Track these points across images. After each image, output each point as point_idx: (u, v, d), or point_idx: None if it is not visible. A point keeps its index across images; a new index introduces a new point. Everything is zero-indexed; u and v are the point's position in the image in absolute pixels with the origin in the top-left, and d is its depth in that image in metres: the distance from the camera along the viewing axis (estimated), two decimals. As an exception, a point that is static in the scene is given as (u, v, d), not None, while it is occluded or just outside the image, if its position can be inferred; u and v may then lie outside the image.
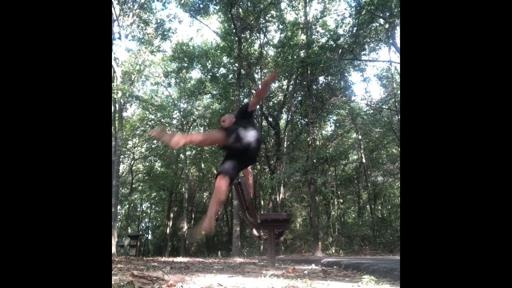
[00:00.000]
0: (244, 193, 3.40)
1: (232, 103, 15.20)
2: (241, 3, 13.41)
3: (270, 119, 16.20)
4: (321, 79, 14.53)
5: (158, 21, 14.96)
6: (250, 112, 2.81)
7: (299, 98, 15.66)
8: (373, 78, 15.59)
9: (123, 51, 14.12)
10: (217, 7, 14.73)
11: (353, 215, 18.30)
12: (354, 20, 12.11)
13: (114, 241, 12.20)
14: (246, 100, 17.40)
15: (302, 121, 15.46)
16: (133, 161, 23.11)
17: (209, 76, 17.28)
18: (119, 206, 23.17)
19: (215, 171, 22.59)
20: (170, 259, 6.14)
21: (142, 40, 15.11)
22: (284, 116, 17.74)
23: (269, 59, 16.74)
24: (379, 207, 16.57)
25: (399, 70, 10.27)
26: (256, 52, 16.07)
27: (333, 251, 12.20)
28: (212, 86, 17.91)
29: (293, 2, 14.88)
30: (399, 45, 8.48)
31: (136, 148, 22.76)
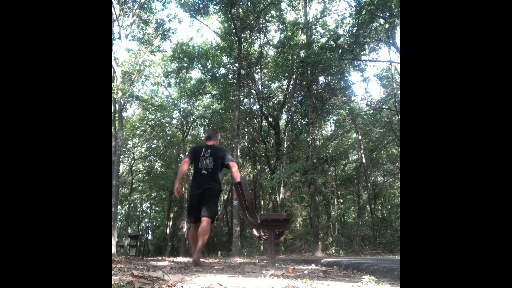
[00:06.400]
0: (244, 193, 3.40)
1: (232, 103, 15.19)
2: (241, 3, 13.40)
3: (270, 119, 16.20)
4: (321, 79, 14.53)
5: (158, 21, 14.95)
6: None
7: (299, 98, 15.66)
8: (373, 78, 15.57)
9: (123, 51, 14.11)
10: (217, 7, 14.73)
11: (353, 215, 18.28)
12: (354, 20, 12.10)
13: (114, 241, 12.20)
14: (246, 100, 17.40)
15: (302, 121, 15.44)
16: (133, 161, 23.12)
17: (209, 76, 17.27)
18: (119, 206, 23.18)
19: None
20: (170, 259, 6.14)
21: (142, 40, 15.10)
22: (284, 116, 17.74)
23: (269, 59, 16.75)
24: (379, 207, 16.57)
25: (399, 70, 10.27)
26: (256, 52, 16.06)
27: (333, 251, 12.20)
28: (212, 86, 17.91)
29: (293, 2, 14.88)
30: (399, 45, 8.47)
31: (136, 148, 22.77)
